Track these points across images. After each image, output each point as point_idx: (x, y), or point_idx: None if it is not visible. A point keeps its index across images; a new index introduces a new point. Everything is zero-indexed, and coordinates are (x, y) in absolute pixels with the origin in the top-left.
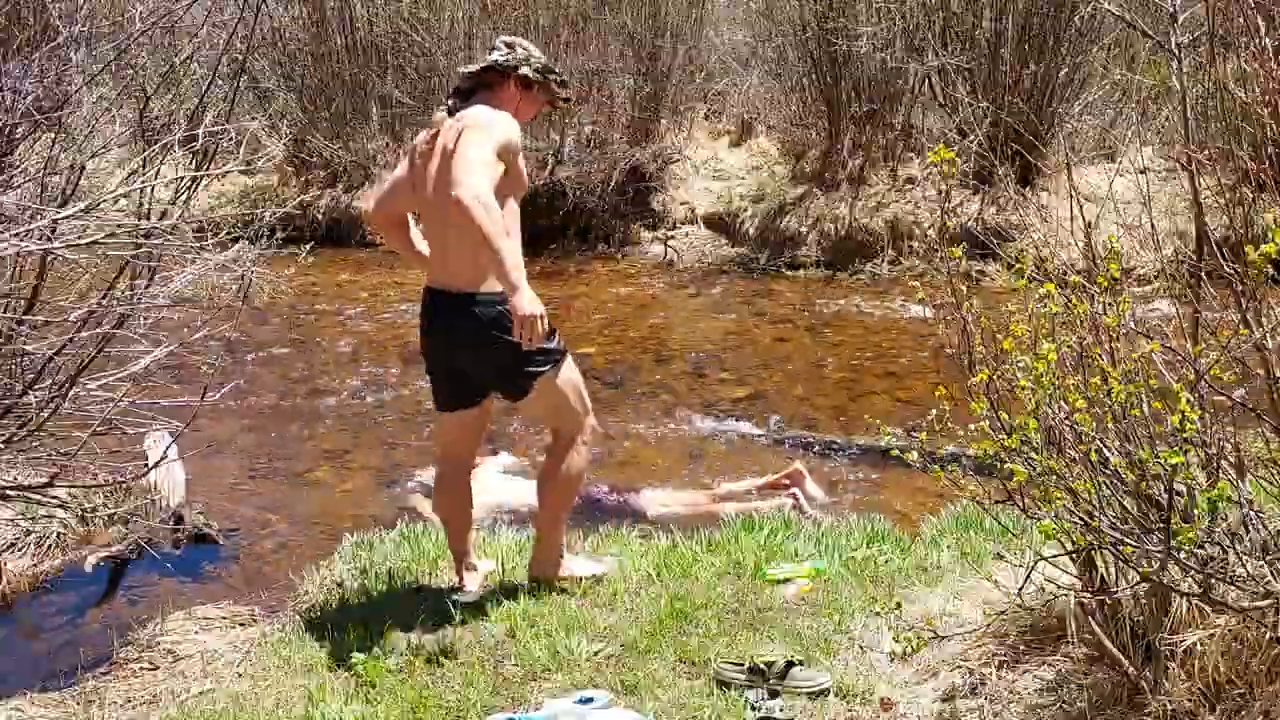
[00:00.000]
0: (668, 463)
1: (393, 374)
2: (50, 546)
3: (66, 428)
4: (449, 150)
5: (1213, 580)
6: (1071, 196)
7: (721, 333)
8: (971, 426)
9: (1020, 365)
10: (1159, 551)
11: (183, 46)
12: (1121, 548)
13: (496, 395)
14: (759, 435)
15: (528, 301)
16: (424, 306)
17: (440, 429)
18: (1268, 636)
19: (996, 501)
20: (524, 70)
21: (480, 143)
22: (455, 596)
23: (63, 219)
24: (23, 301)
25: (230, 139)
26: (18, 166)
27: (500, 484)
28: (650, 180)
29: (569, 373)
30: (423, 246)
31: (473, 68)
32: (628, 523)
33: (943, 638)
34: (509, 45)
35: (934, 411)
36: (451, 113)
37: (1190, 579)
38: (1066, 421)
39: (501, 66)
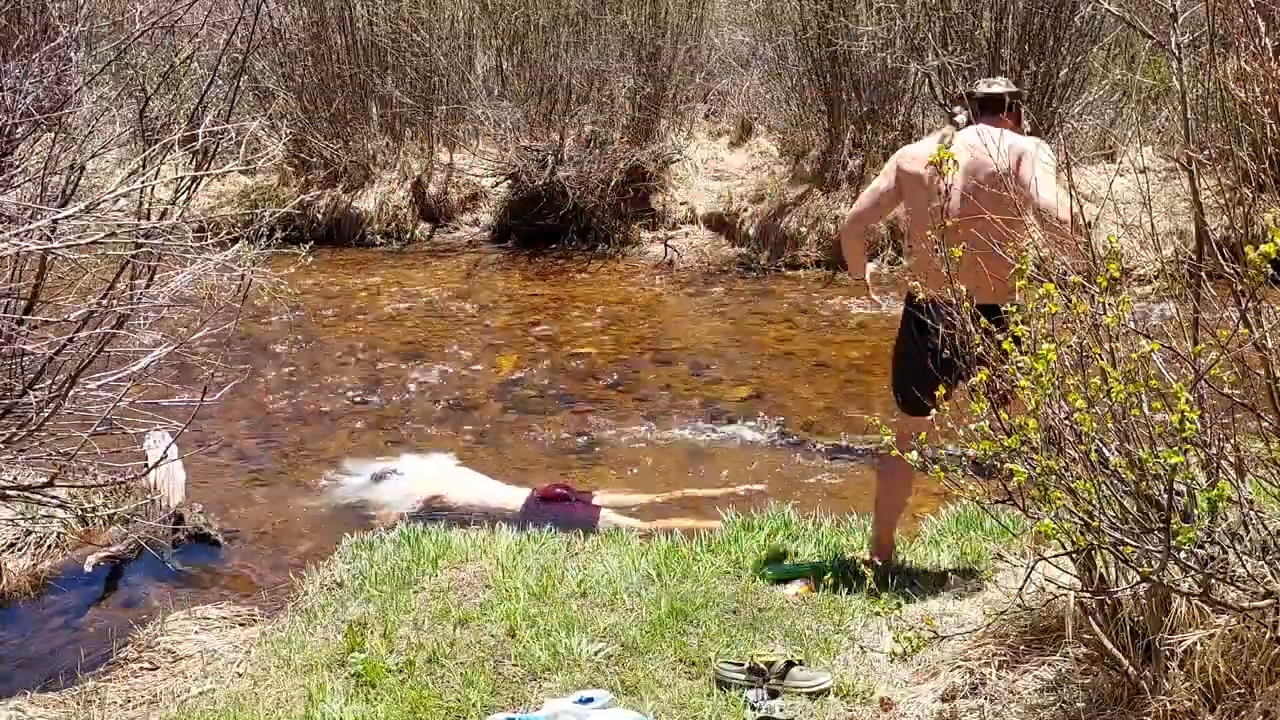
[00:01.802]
0: (667, 463)
1: (393, 374)
2: (50, 546)
3: (66, 428)
4: (1013, 172)
5: (1213, 580)
6: (1071, 196)
7: (721, 333)
8: (972, 426)
9: (1020, 365)
10: (1159, 551)
11: (183, 46)
12: (1121, 548)
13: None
14: (759, 436)
15: None
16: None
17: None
18: (1268, 636)
19: (996, 501)
20: (1020, 105)
21: (1051, 172)
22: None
23: (63, 219)
24: (23, 301)
25: (230, 139)
26: (18, 166)
27: (455, 475)
28: (650, 180)
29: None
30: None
31: (997, 90)
32: (582, 528)
33: (943, 638)
34: (1011, 82)
35: (933, 411)
36: (964, 125)
37: (1190, 579)
38: (1066, 421)
39: (1013, 97)
